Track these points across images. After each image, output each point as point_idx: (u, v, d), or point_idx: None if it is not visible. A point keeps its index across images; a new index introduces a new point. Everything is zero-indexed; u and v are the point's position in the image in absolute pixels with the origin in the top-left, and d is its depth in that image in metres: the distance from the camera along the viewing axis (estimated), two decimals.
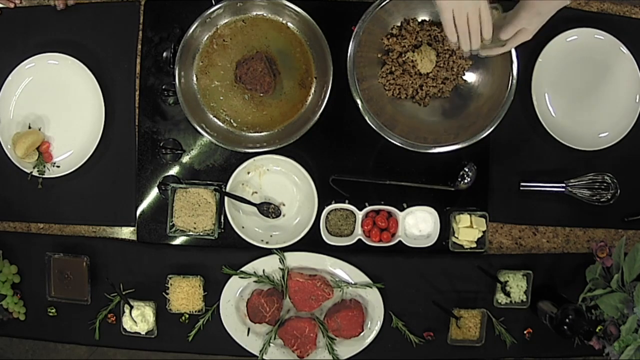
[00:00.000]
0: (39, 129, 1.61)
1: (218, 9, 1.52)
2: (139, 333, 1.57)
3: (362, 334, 1.57)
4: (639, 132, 1.60)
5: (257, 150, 1.54)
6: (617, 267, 1.48)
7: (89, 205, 1.62)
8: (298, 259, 1.57)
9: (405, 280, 1.59)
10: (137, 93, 1.62)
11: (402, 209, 1.56)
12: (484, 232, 1.55)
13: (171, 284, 1.56)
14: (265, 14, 1.56)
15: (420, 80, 1.55)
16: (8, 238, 1.63)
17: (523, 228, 1.63)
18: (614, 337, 1.43)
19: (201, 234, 1.57)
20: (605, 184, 1.59)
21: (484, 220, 1.55)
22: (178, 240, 1.62)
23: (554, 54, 1.58)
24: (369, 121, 1.46)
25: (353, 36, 1.45)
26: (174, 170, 1.61)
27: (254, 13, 1.56)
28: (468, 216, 1.55)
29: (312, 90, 1.57)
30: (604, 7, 1.62)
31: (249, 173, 1.58)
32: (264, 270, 1.58)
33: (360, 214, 1.55)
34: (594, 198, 1.59)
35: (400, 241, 1.56)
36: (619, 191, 1.59)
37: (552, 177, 1.60)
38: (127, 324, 1.56)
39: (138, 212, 1.61)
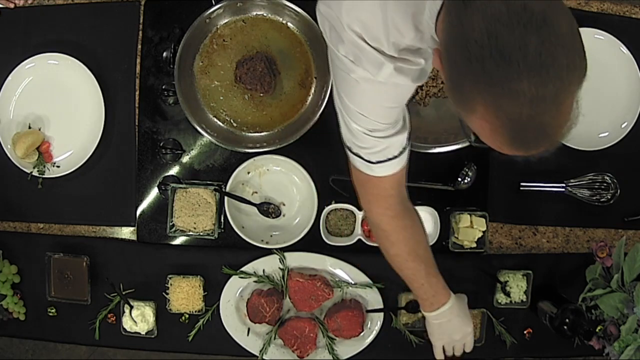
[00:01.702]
0: (39, 129, 1.61)
1: (218, 9, 1.52)
2: (139, 333, 1.57)
3: (362, 334, 1.57)
4: (639, 132, 1.60)
5: (257, 150, 1.54)
6: (617, 267, 1.48)
7: (89, 205, 1.62)
8: (298, 259, 1.57)
9: None
10: (137, 93, 1.62)
11: None
12: (484, 232, 1.55)
13: (171, 284, 1.56)
14: (265, 14, 1.56)
15: None
16: (8, 238, 1.63)
17: (523, 228, 1.62)
18: (614, 337, 1.43)
19: (201, 234, 1.57)
20: (605, 184, 1.59)
21: (484, 220, 1.55)
22: (178, 240, 1.62)
23: None
24: None
25: None
26: (174, 170, 1.61)
27: (254, 13, 1.56)
28: (468, 216, 1.55)
29: (312, 90, 1.57)
30: (604, 7, 1.62)
31: (249, 173, 1.58)
32: (264, 270, 1.58)
33: (360, 214, 1.55)
34: (594, 198, 1.59)
35: None
36: (619, 191, 1.59)
37: (552, 177, 1.60)
38: (127, 324, 1.56)
39: (138, 212, 1.61)
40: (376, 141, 1.09)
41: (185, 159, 1.61)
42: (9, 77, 1.60)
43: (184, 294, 1.56)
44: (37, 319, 1.62)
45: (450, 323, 1.33)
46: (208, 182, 1.60)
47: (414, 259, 1.27)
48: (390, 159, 1.13)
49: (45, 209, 1.63)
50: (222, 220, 1.58)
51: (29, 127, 1.61)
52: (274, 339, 1.58)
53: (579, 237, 1.63)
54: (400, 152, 1.13)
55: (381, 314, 1.56)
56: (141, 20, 1.61)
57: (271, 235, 1.58)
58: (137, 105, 1.61)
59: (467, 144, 1.46)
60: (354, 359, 1.59)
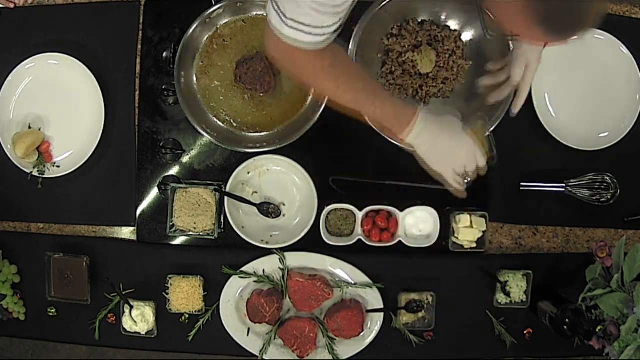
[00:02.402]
0: (39, 129, 1.61)
1: (218, 9, 1.52)
2: (139, 333, 1.57)
3: (362, 334, 1.57)
4: (639, 132, 1.60)
5: (257, 150, 1.54)
6: (617, 267, 1.48)
7: (89, 205, 1.62)
8: (298, 259, 1.57)
9: (405, 280, 1.59)
10: (137, 93, 1.62)
11: (402, 209, 1.56)
12: (484, 232, 1.55)
13: (171, 284, 1.56)
14: (265, 14, 1.56)
15: (420, 81, 1.55)
16: (8, 238, 1.63)
17: (523, 228, 1.62)
18: (614, 337, 1.43)
19: (201, 234, 1.57)
20: (605, 184, 1.59)
21: (484, 220, 1.55)
22: (178, 240, 1.62)
23: (554, 54, 1.58)
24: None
25: (353, 36, 1.45)
26: (174, 170, 1.61)
27: (254, 13, 1.56)
28: (468, 216, 1.55)
29: (312, 90, 1.57)
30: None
31: (249, 173, 1.58)
32: (264, 270, 1.58)
33: (360, 214, 1.55)
34: (594, 198, 1.59)
35: (400, 241, 1.56)
36: (619, 191, 1.59)
37: (552, 177, 1.60)
38: (127, 324, 1.56)
39: (138, 212, 1.61)
40: (304, 3, 1.01)
41: (185, 159, 1.61)
42: (9, 77, 1.60)
43: (184, 294, 1.56)
44: (37, 319, 1.62)
45: (439, 139, 1.21)
46: (208, 182, 1.60)
47: (350, 90, 1.19)
48: (303, 27, 1.04)
49: (45, 209, 1.63)
50: (222, 220, 1.58)
51: (29, 127, 1.61)
52: (274, 339, 1.58)
53: (579, 237, 1.63)
54: (316, 28, 1.05)
55: (381, 314, 1.57)
56: (141, 20, 1.61)
57: (271, 235, 1.58)
58: (137, 105, 1.61)
59: None
60: (354, 359, 1.59)
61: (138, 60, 1.61)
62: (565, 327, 1.44)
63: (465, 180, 1.28)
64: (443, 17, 1.54)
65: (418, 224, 1.57)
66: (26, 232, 1.64)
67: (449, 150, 1.23)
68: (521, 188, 1.60)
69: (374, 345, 1.58)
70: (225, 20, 1.56)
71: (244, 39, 1.57)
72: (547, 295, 1.56)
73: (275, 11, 1.06)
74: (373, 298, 1.57)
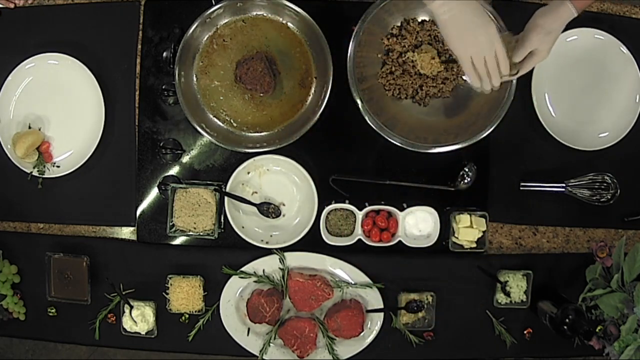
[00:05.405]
0: (39, 129, 1.61)
1: (218, 9, 1.52)
2: (139, 333, 1.57)
3: (362, 334, 1.57)
4: (639, 132, 1.60)
5: (257, 150, 1.54)
6: (617, 267, 1.48)
7: (89, 205, 1.62)
8: (298, 259, 1.57)
9: (405, 280, 1.59)
10: (137, 93, 1.62)
11: (402, 209, 1.56)
12: (484, 232, 1.55)
13: (171, 284, 1.56)
14: (265, 14, 1.56)
15: (420, 81, 1.55)
16: (8, 238, 1.63)
17: (523, 228, 1.63)
18: (614, 337, 1.44)
19: (201, 234, 1.57)
20: (605, 184, 1.59)
21: (484, 220, 1.55)
22: (178, 240, 1.62)
23: (553, 54, 1.57)
24: (369, 121, 1.46)
25: (353, 36, 1.45)
26: (174, 170, 1.61)
27: (254, 13, 1.56)
28: (468, 216, 1.55)
29: (312, 90, 1.57)
30: (604, 7, 1.62)
31: (249, 173, 1.58)
32: (264, 270, 1.58)
33: (360, 214, 1.55)
34: (594, 198, 1.59)
35: (400, 241, 1.56)
36: (619, 191, 1.59)
37: (552, 177, 1.60)
38: (127, 324, 1.56)
39: (138, 212, 1.61)
40: None
41: (185, 159, 1.61)
42: (9, 77, 1.60)
43: (184, 294, 1.56)
44: (37, 319, 1.62)
45: (463, 13, 1.15)
46: (208, 182, 1.60)
47: None
48: None
49: (45, 209, 1.63)
50: (222, 220, 1.58)
51: (29, 127, 1.61)
52: (274, 339, 1.58)
53: (579, 237, 1.63)
54: None
55: (381, 314, 1.57)
56: (141, 20, 1.61)
57: (271, 235, 1.58)
58: (137, 105, 1.61)
59: (466, 144, 1.46)
60: (354, 359, 1.59)
61: (138, 60, 1.61)
62: (565, 327, 1.44)
63: (488, 75, 1.24)
64: None
65: (418, 224, 1.57)
66: (26, 232, 1.64)
67: (470, 27, 1.17)
68: (521, 188, 1.60)
69: (374, 345, 1.58)
70: (225, 20, 1.56)
71: (244, 39, 1.57)
72: (547, 295, 1.56)
73: None
74: (373, 298, 1.57)
